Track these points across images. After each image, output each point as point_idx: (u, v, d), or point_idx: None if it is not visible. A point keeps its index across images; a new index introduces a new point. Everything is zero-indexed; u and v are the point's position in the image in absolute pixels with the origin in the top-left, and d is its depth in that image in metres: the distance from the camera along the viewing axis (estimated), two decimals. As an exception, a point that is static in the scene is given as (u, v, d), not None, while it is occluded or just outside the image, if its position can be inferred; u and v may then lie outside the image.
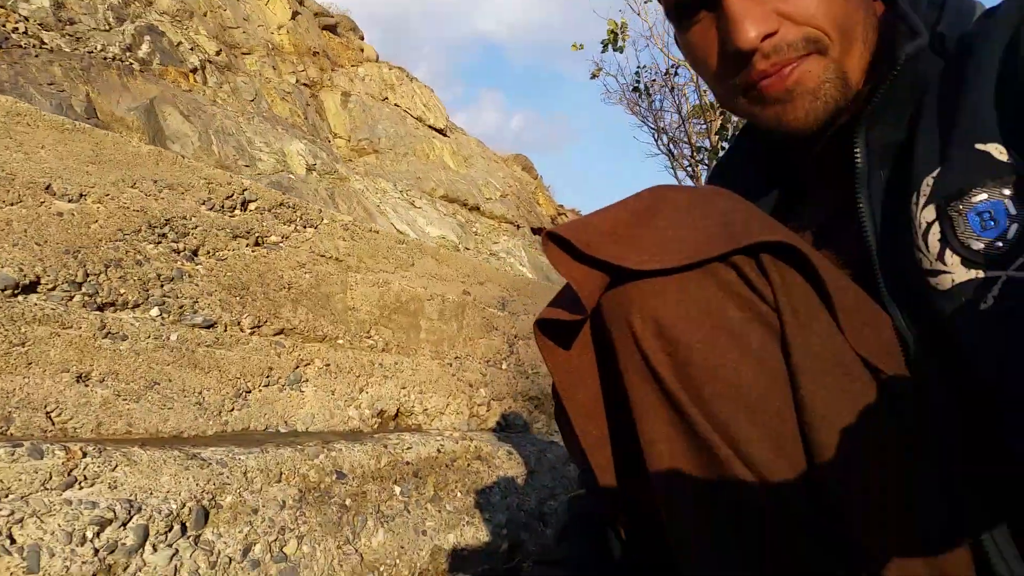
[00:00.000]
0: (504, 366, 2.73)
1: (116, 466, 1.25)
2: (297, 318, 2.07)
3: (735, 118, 10.57)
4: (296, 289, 2.11)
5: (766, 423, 0.57)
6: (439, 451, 1.94)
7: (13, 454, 1.15)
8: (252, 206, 2.12)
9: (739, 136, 0.96)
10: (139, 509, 1.23)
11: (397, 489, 1.76)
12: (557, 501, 2.28)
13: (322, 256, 2.24)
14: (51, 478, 1.16)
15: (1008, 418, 0.55)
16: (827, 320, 0.59)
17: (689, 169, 12.09)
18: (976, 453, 0.57)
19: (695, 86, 11.96)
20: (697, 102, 12.15)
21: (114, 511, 1.19)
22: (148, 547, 1.22)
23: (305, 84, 8.10)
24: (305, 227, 2.23)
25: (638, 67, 14.25)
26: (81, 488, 1.19)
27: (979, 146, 0.57)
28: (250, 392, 1.85)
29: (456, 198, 8.87)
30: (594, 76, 11.57)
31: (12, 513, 1.09)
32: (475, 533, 1.92)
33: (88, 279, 1.65)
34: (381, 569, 1.60)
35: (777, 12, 0.70)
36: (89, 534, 1.15)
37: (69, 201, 1.71)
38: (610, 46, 10.55)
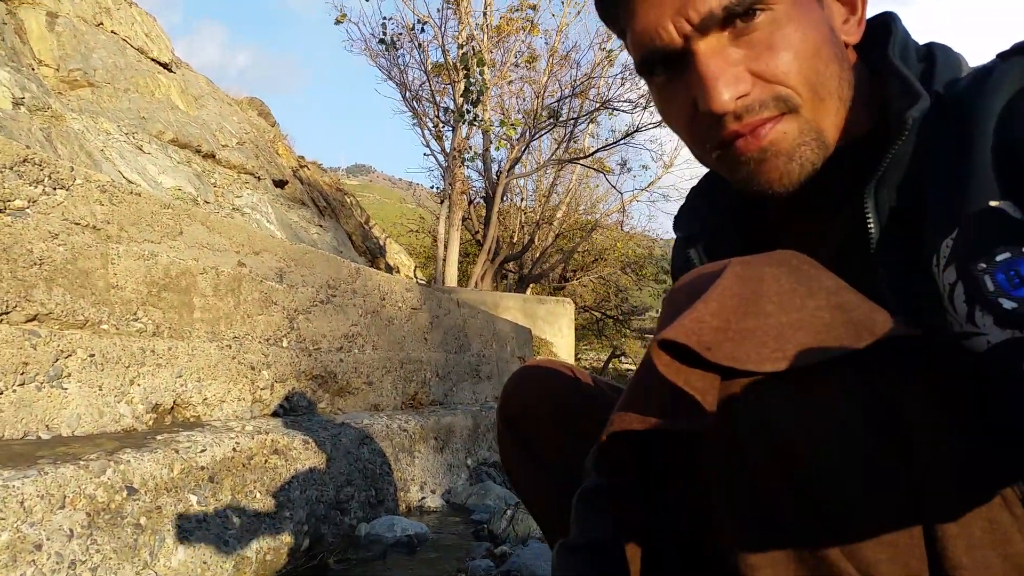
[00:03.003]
0: (285, 344, 2.54)
1: None
2: (53, 301, 1.75)
3: (478, 80, 10.73)
4: (49, 265, 1.77)
5: (896, 541, 0.54)
6: (235, 450, 1.76)
7: None
8: (-15, 163, 1.74)
9: (704, 178, 0.93)
10: None
11: (193, 499, 1.57)
12: (354, 487, 2.20)
13: (77, 224, 1.90)
14: None
15: None
16: (953, 424, 0.56)
17: (433, 129, 12.10)
18: None
19: (439, 44, 11.94)
20: (440, 60, 12.15)
21: None
22: (-96, 614, 0.97)
23: (0, -1, 6.86)
24: (56, 189, 1.87)
25: (384, 18, 13.87)
26: None
27: (994, 203, 0.58)
28: (2, 393, 1.53)
29: (188, 143, 8.08)
30: (339, 22, 11.07)
31: None
32: (276, 535, 1.78)
33: None
34: (183, 590, 1.43)
35: (749, 71, 0.68)
36: None
37: None
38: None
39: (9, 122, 4.53)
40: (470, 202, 13.50)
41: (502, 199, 13.12)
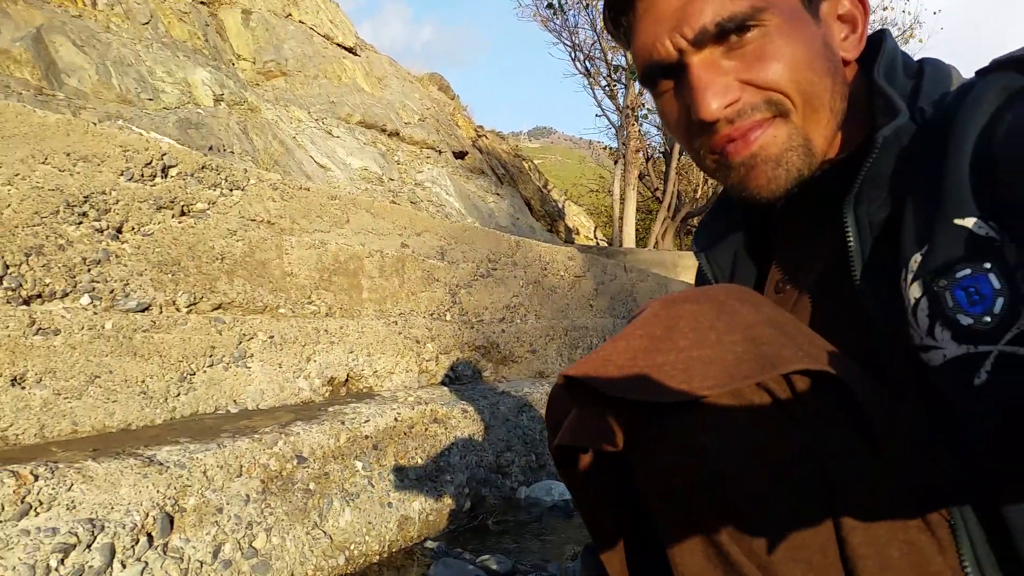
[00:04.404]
0: (448, 317, 2.69)
1: (72, 485, 1.18)
2: (234, 290, 1.98)
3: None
4: (230, 259, 2.00)
5: (809, 559, 0.57)
6: (396, 420, 1.91)
7: (-42, 488, 1.06)
8: (173, 171, 1.98)
9: (721, 195, 0.97)
10: (102, 527, 1.17)
11: (359, 465, 1.73)
12: (513, 452, 2.30)
13: (253, 220, 2.13)
14: (3, 509, 1.08)
15: (998, 488, 0.57)
16: (864, 445, 0.59)
17: (607, 88, 11.99)
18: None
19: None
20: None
21: (76, 534, 1.13)
22: (116, 564, 1.17)
23: (202, 2, 7.59)
24: (232, 190, 2.10)
25: (550, -18, 13.89)
26: (38, 515, 1.12)
27: (958, 221, 0.59)
28: (195, 374, 1.76)
29: (374, 123, 8.58)
30: (506, -9, 11.21)
31: (-34, 553, 1.02)
32: (438, 497, 1.92)
33: (8, 271, 1.52)
34: (351, 547, 1.59)
35: (740, 80, 0.70)
36: (53, 562, 1.09)
37: (-25, 186, 1.55)
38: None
39: (209, 119, 5.03)
40: (647, 159, 13.27)
41: (681, 153, 12.79)
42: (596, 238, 13.65)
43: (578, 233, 12.57)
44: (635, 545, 0.76)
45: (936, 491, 0.59)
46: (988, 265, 0.58)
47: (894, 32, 13.86)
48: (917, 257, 0.62)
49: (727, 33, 0.69)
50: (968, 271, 0.59)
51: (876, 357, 0.66)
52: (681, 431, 0.60)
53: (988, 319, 0.57)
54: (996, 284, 0.57)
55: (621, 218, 11.39)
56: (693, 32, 0.70)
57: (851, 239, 0.70)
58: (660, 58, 0.73)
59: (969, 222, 0.59)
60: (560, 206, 12.36)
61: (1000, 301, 0.57)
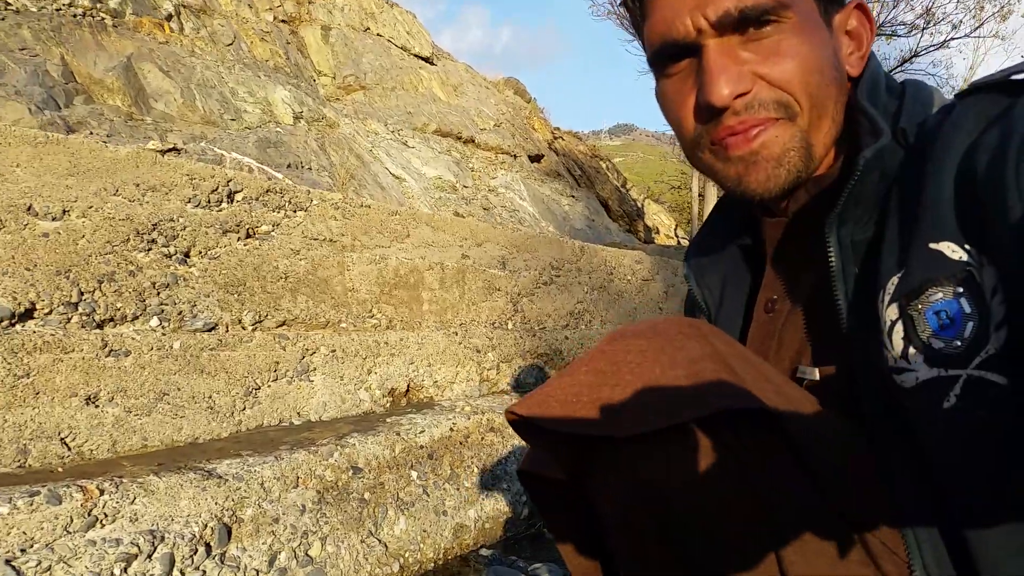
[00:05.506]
0: (510, 326, 2.73)
1: (134, 498, 1.27)
2: (298, 308, 2.07)
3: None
4: (293, 278, 2.09)
5: None
6: (452, 429, 1.95)
7: (32, 503, 1.16)
8: (239, 196, 2.08)
9: (713, 212, 0.98)
10: (162, 538, 1.25)
11: (414, 474, 1.78)
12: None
13: (315, 239, 2.21)
14: (72, 521, 1.18)
15: (963, 511, 0.58)
16: (803, 478, 0.61)
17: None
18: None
19: None
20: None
21: (138, 545, 1.21)
22: (176, 573, 1.24)
23: (283, 21, 7.88)
24: (295, 211, 2.20)
25: (623, -20, 13.80)
26: (103, 526, 1.21)
27: (932, 246, 0.60)
28: (259, 389, 1.85)
29: (449, 131, 8.72)
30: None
31: (39, 563, 1.11)
32: (495, 505, 1.95)
33: (83, 298, 1.64)
34: (406, 555, 1.64)
35: (754, 73, 0.70)
36: (117, 571, 1.17)
37: (53, 219, 1.68)
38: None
39: (288, 137, 5.23)
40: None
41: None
42: (677, 236, 13.47)
43: (658, 232, 12.43)
44: (606, 570, 0.79)
45: (883, 522, 0.60)
46: (960, 289, 0.59)
47: (990, 9, 13.25)
48: (894, 280, 0.63)
49: (748, 22, 0.70)
50: (940, 295, 0.60)
51: (855, 378, 0.67)
52: (624, 462, 0.62)
53: (958, 343, 0.58)
54: (967, 308, 0.58)
55: (700, 215, 11.21)
56: (716, 14, 0.69)
57: (833, 259, 0.71)
58: (678, 36, 0.73)
59: (943, 246, 0.60)
60: (639, 205, 12.25)
61: (970, 325, 0.58)
